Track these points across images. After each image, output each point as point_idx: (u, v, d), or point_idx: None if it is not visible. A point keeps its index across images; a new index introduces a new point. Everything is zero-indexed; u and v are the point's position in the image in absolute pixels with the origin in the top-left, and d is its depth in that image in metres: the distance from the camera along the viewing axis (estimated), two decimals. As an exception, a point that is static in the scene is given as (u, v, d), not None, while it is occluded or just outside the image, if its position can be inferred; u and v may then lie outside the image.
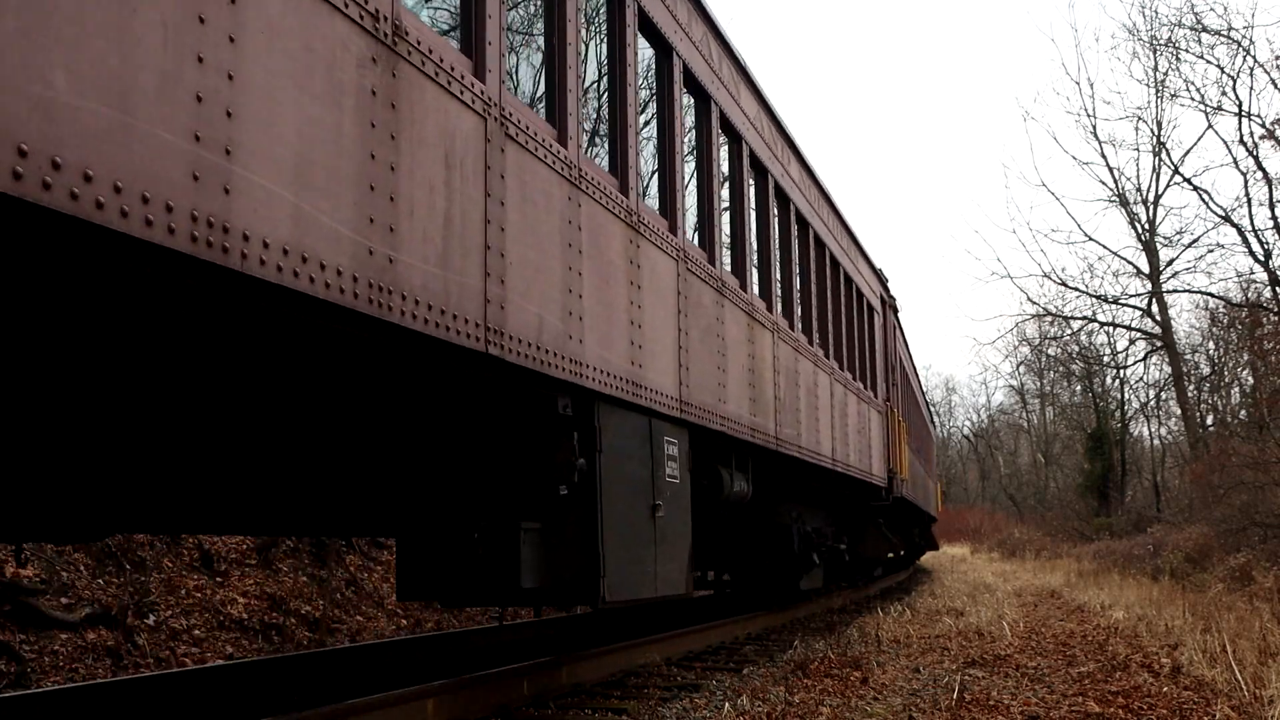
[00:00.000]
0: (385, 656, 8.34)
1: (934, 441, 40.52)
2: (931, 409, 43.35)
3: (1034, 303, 41.98)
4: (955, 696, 6.68)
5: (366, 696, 5.39)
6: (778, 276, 9.94)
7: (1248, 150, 27.72)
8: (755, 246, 9.38)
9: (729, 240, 8.67)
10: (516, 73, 5.25)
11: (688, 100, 7.72)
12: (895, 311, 18.94)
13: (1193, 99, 37.16)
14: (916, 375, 28.71)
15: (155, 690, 6.34)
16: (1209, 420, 36.59)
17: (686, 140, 7.62)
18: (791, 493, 11.77)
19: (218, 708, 6.38)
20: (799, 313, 10.85)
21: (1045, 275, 45.88)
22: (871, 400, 14.97)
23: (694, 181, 7.93)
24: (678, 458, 6.83)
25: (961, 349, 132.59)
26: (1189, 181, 32.46)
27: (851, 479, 13.03)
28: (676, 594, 6.77)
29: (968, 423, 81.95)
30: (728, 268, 8.46)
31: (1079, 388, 48.81)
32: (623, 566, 5.90)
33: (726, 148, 8.63)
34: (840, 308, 13.04)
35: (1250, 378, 32.20)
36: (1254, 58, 32.46)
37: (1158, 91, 34.05)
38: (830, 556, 13.65)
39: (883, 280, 17.29)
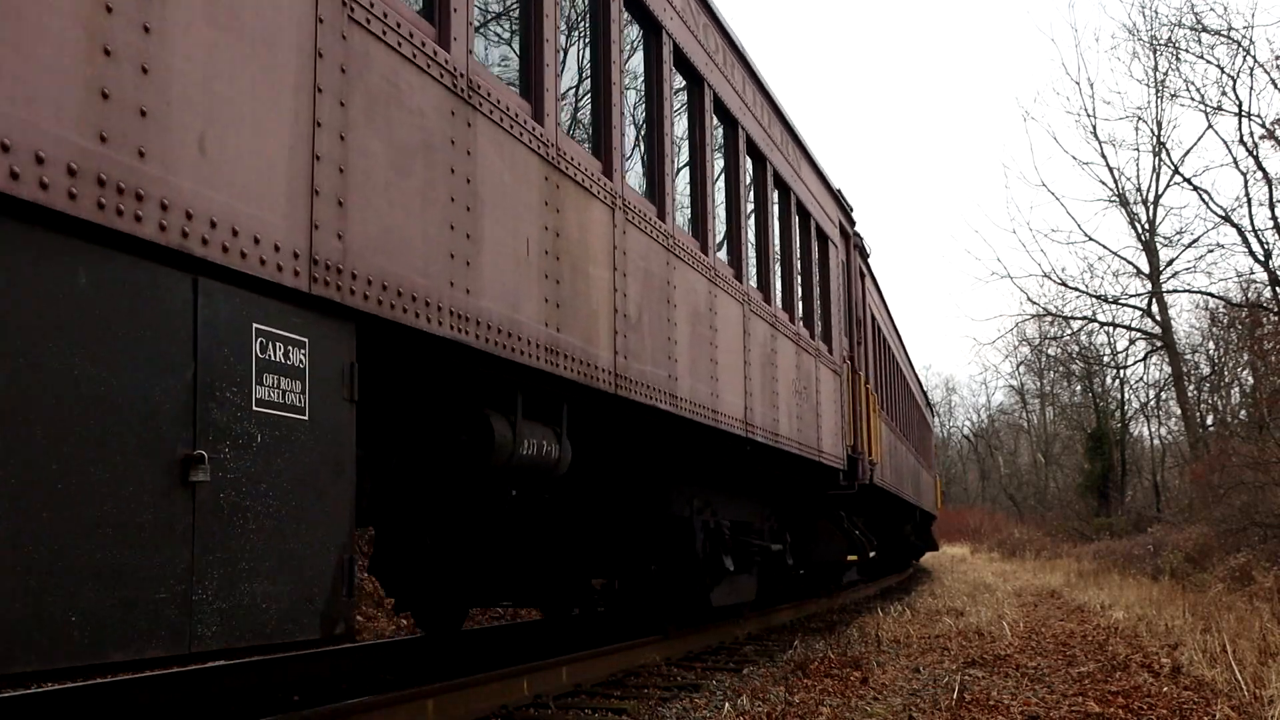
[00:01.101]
0: (385, 656, 8.39)
1: (931, 430, 35.94)
2: (928, 396, 37.83)
3: (1034, 303, 41.07)
4: (955, 696, 6.48)
5: (366, 697, 5.28)
6: (625, 131, 6.19)
7: (1248, 150, 26.38)
8: (575, 78, 5.88)
9: (514, 50, 5.26)
10: None
11: None
12: (864, 255, 14.82)
13: (1193, 99, 36.43)
14: (902, 344, 23.82)
15: (155, 690, 6.33)
16: (1209, 420, 35.73)
17: None
18: (692, 473, 8.41)
19: (218, 708, 6.38)
20: (682, 205, 7.24)
21: (1045, 275, 44.74)
22: (822, 355, 10.98)
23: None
24: (304, 373, 3.41)
25: (961, 349, 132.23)
26: (1189, 181, 30.80)
27: (785, 455, 9.39)
28: (287, 642, 3.34)
29: (968, 423, 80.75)
30: (490, 67, 4.93)
31: (1079, 388, 48.07)
32: (21, 595, 2.48)
33: None
34: (767, 218, 9.16)
35: (1250, 378, 31.71)
36: (1254, 58, 31.77)
37: (1158, 91, 33.43)
38: (765, 559, 10.27)
39: (845, 207, 13.11)
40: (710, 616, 9.56)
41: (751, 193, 8.95)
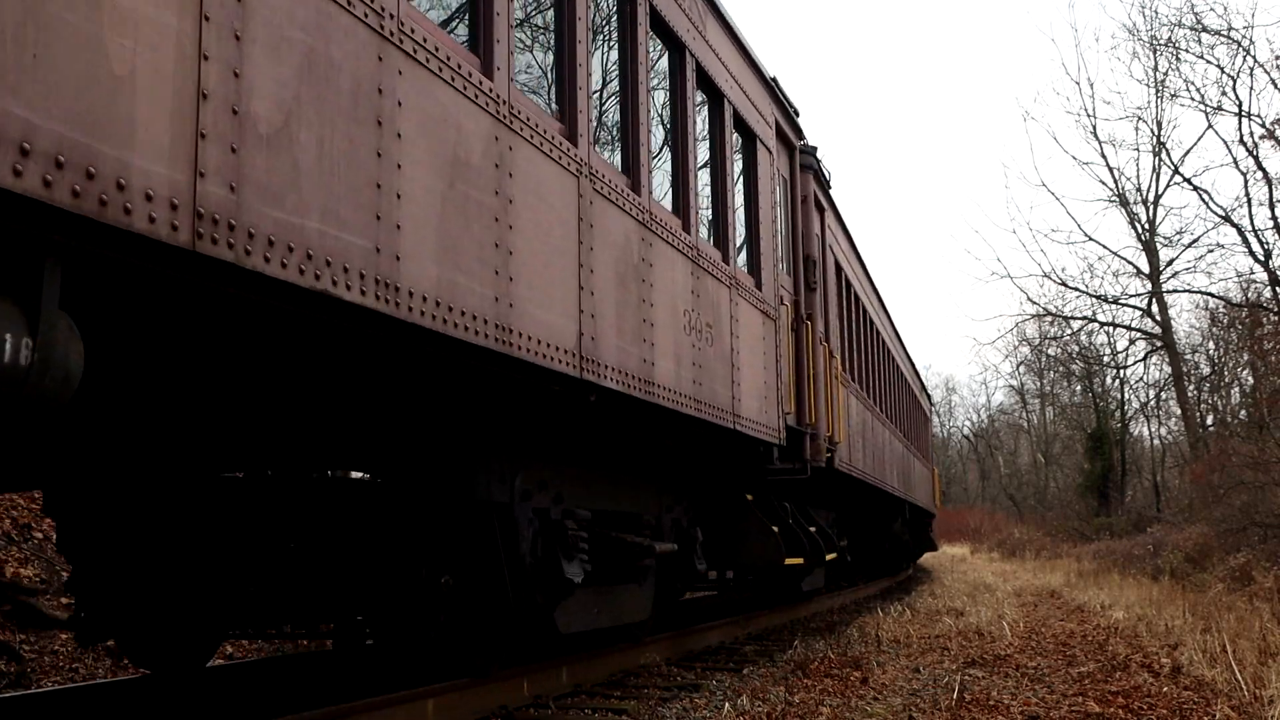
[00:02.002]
0: (385, 656, 8.29)
1: (928, 418, 31.98)
2: (923, 381, 31.55)
3: (1034, 303, 40.67)
4: (955, 696, 6.30)
5: (367, 698, 5.15)
6: None
7: (1248, 150, 25.79)
8: None
9: None
10: None
11: None
12: (821, 181, 11.25)
13: (1193, 99, 36.22)
14: (885, 310, 19.39)
15: (155, 690, 6.30)
16: (1209, 420, 35.52)
17: None
18: (518, 440, 5.75)
19: (218, 708, 6.37)
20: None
21: (1045, 275, 44.27)
22: (742, 287, 7.88)
23: None
24: None
25: (961, 349, 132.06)
26: (1189, 181, 30.51)
27: (673, 417, 6.53)
28: None
29: (968, 423, 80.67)
30: None
31: (1079, 388, 47.71)
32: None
33: None
34: (636, 72, 6.09)
35: (1250, 378, 31.57)
36: (1254, 58, 31.56)
37: (1158, 91, 33.28)
38: (660, 564, 7.58)
39: (785, 105, 9.67)
40: (560, 648, 6.84)
41: (609, 30, 5.97)
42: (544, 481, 6.02)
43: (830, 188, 11.98)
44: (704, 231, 7.36)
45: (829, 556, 11.07)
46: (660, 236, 6.35)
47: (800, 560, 9.84)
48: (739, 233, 8.21)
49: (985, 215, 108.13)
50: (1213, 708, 5.93)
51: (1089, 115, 44.64)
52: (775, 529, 9.27)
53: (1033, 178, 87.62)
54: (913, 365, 26.28)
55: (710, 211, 7.60)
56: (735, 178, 8.09)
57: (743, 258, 8.27)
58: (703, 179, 7.45)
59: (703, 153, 7.48)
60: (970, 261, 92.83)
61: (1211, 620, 9.92)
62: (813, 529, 10.96)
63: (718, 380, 7.21)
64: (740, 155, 8.37)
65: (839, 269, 12.98)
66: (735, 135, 8.07)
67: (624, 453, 7.07)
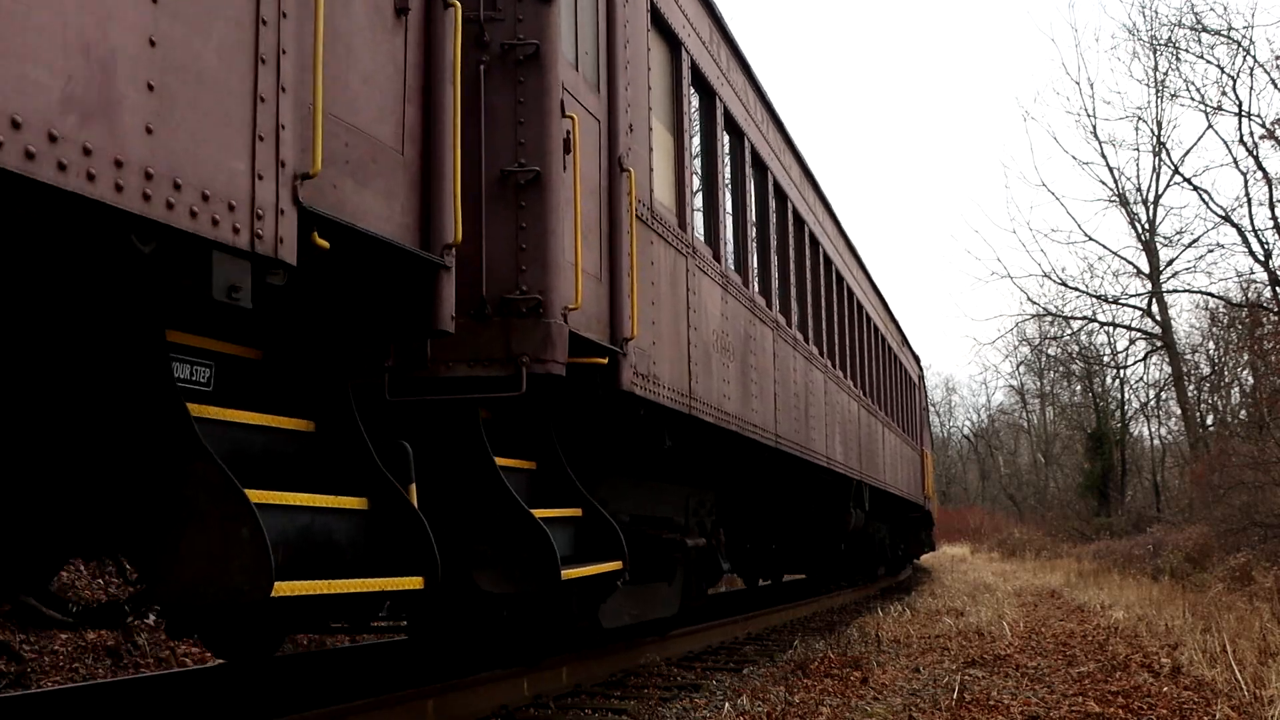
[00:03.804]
0: (385, 656, 8.35)
1: (916, 388, 24.77)
2: (906, 336, 23.45)
3: (1034, 303, 40.68)
4: (955, 696, 6.35)
5: (366, 698, 5.20)
6: None
7: (1248, 150, 25.95)
8: None
9: None
10: None
11: None
12: None
13: (1193, 99, 36.19)
14: (829, 211, 13.77)
15: (155, 690, 6.29)
16: (1209, 420, 35.73)
17: None
18: None
19: (218, 708, 6.37)
20: None
21: (1045, 275, 44.35)
22: None
23: None
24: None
25: (961, 349, 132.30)
26: (1189, 181, 30.43)
27: None
28: None
29: (968, 423, 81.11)
30: None
31: (1079, 388, 47.80)
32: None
33: None
34: None
35: (1250, 378, 31.66)
36: (1254, 58, 31.57)
37: (1158, 91, 33.29)
38: None
39: None
40: None
41: None
42: None
43: None
44: None
45: (574, 572, 5.17)
46: None
47: (385, 585, 3.93)
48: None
49: (985, 215, 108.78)
50: (1213, 708, 5.95)
51: (1089, 115, 44.43)
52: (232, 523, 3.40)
53: (1033, 178, 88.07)
54: (889, 311, 20.11)
55: None
56: None
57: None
58: None
59: None
60: (970, 261, 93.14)
61: (1211, 620, 9.95)
62: (573, 513, 5.66)
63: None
64: None
65: (662, 25, 7.23)
66: None
67: None
